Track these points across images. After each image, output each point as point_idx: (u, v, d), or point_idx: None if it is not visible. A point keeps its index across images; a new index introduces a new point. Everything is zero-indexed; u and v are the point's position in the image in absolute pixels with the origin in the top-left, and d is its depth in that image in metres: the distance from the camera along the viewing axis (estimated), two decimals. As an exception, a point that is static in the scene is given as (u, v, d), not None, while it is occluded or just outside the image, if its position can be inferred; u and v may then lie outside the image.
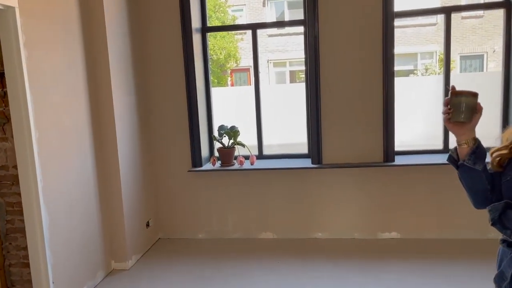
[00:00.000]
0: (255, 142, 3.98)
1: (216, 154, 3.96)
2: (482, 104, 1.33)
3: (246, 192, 3.85)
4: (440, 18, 13.44)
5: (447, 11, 3.60)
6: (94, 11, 3.12)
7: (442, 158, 3.60)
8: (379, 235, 3.73)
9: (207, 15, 3.98)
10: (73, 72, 2.96)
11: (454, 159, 1.44)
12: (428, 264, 3.22)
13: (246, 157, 3.84)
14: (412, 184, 3.64)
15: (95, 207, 3.17)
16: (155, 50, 3.76)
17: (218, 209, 3.92)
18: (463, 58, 15.14)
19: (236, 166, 3.77)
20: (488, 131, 3.84)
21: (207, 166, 3.84)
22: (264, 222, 3.88)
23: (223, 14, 14.14)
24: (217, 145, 3.91)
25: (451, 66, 12.36)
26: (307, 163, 3.73)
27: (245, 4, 15.12)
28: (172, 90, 3.79)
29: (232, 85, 15.78)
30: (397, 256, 3.40)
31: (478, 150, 1.36)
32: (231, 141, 3.80)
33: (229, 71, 15.65)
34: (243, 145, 3.81)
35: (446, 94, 3.64)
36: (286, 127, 4.11)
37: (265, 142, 4.01)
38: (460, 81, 3.77)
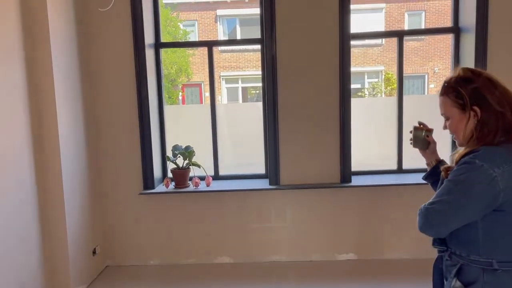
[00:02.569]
0: (211, 162, 3.84)
1: (170, 175, 3.77)
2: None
3: (201, 215, 3.69)
4: (386, 39, 14.09)
5: (400, 35, 3.69)
6: (38, 25, 2.88)
7: (397, 179, 3.66)
8: (337, 256, 3.69)
9: (161, 30, 3.83)
10: (13, 93, 2.70)
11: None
12: (386, 285, 3.21)
13: (202, 178, 3.69)
14: (368, 205, 3.65)
15: (34, 239, 2.88)
16: (105, 66, 3.54)
17: (171, 233, 3.71)
18: (406, 78, 15.94)
19: (191, 187, 3.60)
20: (442, 150, 3.98)
21: (160, 188, 3.64)
22: (220, 246, 3.72)
23: (174, 29, 13.94)
24: (171, 165, 3.73)
25: (395, 85, 12.86)
26: (265, 184, 3.64)
27: (197, 20, 15.03)
28: (124, 108, 3.58)
29: (183, 99, 15.54)
30: (355, 278, 3.36)
31: (436, 171, 1.67)
32: (186, 161, 3.63)
33: (180, 86, 15.40)
34: (199, 166, 3.66)
35: (400, 116, 3.71)
36: (242, 147, 4.00)
37: (221, 161, 3.88)
38: (410, 103, 3.86)
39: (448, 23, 3.68)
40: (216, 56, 16.15)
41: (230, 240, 3.71)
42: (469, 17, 3.49)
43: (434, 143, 1.76)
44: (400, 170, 3.79)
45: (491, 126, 1.34)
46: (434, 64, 14.16)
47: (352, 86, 3.52)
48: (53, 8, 2.96)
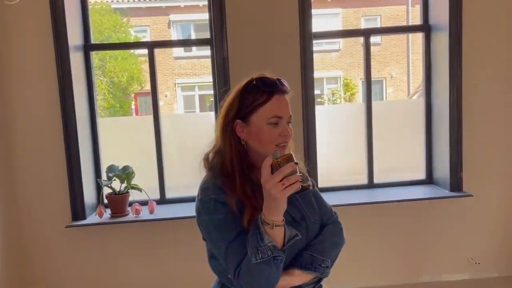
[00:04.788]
0: (155, 183, 3.27)
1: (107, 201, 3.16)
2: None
3: (145, 249, 3.10)
4: (344, 44, 13.98)
5: (366, 34, 3.29)
6: None
7: (369, 195, 3.24)
8: (305, 287, 3.21)
9: (91, 31, 3.24)
10: None
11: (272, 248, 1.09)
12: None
13: (145, 203, 3.11)
14: (338, 226, 3.20)
15: None
16: (18, 73, 2.91)
17: (108, 272, 3.10)
18: (364, 83, 15.95)
19: (131, 216, 3.01)
20: (415, 162, 3.61)
21: (92, 218, 3.03)
22: (169, 286, 3.15)
23: (124, 35, 13.18)
24: (107, 190, 3.12)
25: (354, 90, 12.75)
26: (219, 207, 3.11)
27: (148, 25, 14.32)
28: (43, 123, 2.95)
29: (136, 109, 14.74)
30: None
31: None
32: (124, 185, 3.04)
33: (132, 95, 14.61)
34: (140, 189, 3.08)
35: (369, 123, 3.30)
36: (194, 164, 3.46)
37: (168, 182, 3.32)
38: (381, 109, 3.48)
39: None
40: (170, 62, 15.28)
41: (180, 278, 3.15)
42: (441, 13, 3.14)
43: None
44: (371, 185, 3.38)
45: None
46: (392, 68, 14.20)
47: (312, 92, 3.09)
48: None
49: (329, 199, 3.16)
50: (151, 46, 3.28)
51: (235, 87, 1.26)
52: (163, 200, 3.28)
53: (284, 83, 1.24)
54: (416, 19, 12.97)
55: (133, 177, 3.06)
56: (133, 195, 3.08)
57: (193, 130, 3.49)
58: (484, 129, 3.14)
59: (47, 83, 2.92)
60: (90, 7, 3.21)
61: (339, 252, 1.35)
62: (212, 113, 3.32)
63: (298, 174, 1.03)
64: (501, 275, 3.25)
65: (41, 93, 2.94)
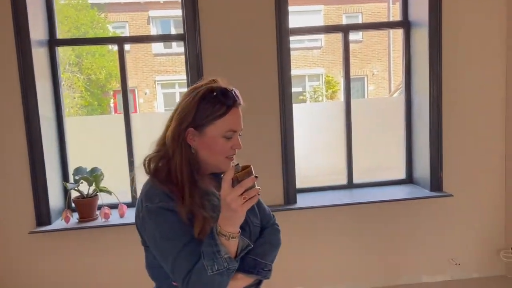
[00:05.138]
0: (128, 186, 3.12)
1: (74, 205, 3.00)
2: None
3: (114, 256, 2.95)
4: (326, 41, 13.94)
5: (345, 30, 3.20)
6: None
7: (349, 195, 3.15)
8: (283, 292, 3.12)
9: (57, 24, 3.06)
10: None
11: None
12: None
13: (115, 207, 2.96)
14: (318, 229, 3.11)
15: None
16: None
17: (75, 281, 2.94)
18: (344, 79, 16.03)
19: (100, 221, 2.86)
20: (395, 161, 3.54)
21: (58, 223, 2.86)
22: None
23: (102, 31, 12.85)
24: (75, 194, 2.96)
25: (336, 88, 12.73)
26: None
27: (127, 21, 14.01)
28: (4, 123, 2.77)
29: (115, 107, 14.44)
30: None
31: None
32: (92, 187, 2.89)
33: (111, 93, 14.31)
34: (109, 192, 2.93)
35: (348, 121, 3.21)
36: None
37: (140, 184, 3.16)
38: (362, 107, 3.40)
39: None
40: (149, 59, 14.96)
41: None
42: (420, 10, 3.06)
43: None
44: (351, 185, 3.30)
45: None
46: (373, 66, 14.22)
47: (293, 89, 2.98)
48: None
49: (308, 200, 3.10)
50: (121, 41, 3.11)
51: (190, 92, 1.20)
52: (135, 203, 3.12)
53: (239, 95, 1.22)
54: (397, 16, 13.02)
55: (102, 179, 2.91)
56: (102, 199, 2.93)
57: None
58: (464, 127, 3.08)
59: (8, 80, 2.74)
60: (55, 0, 3.02)
61: (276, 253, 1.37)
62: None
63: (257, 187, 1.04)
64: (481, 275, 3.21)
65: (1, 91, 2.75)
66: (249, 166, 1.06)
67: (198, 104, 1.16)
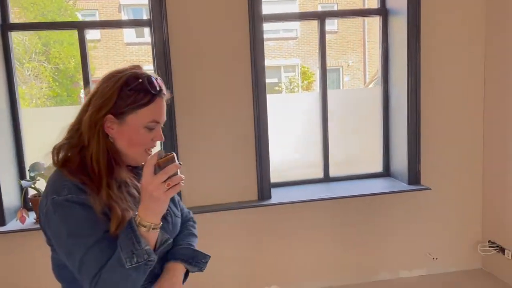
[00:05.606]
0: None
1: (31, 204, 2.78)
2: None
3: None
4: (301, 31, 13.82)
5: (322, 17, 3.06)
6: None
7: (325, 189, 3.04)
8: (257, 291, 2.99)
9: (10, 8, 2.80)
10: None
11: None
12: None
13: (77, 205, 2.75)
14: (293, 225, 2.99)
15: None
16: None
17: (31, 286, 2.74)
18: (319, 68, 16.05)
19: (59, 220, 2.65)
20: (371, 154, 3.45)
21: (14, 224, 2.64)
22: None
23: (70, 18, 12.34)
24: (32, 192, 2.74)
25: (311, 79, 12.65)
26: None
27: (97, 9, 13.50)
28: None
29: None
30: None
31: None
32: (51, 185, 2.66)
33: (81, 83, 13.80)
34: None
35: (324, 112, 3.09)
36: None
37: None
38: (338, 98, 3.27)
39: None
40: (121, 48, 14.42)
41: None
42: (398, -4, 2.96)
43: None
44: (327, 178, 3.18)
45: None
46: (348, 57, 14.22)
47: (269, 80, 2.83)
48: None
49: (283, 195, 2.98)
50: (82, 26, 2.89)
51: (112, 77, 1.08)
52: (99, 201, 2.93)
53: (163, 85, 1.13)
54: (373, 6, 13.01)
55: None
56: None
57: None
58: (442, 119, 3.01)
59: (-47, 68, 2.49)
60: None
61: None
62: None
63: (181, 175, 0.99)
64: (458, 269, 3.16)
65: None
66: (172, 153, 1.00)
67: (121, 90, 1.06)
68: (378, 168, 3.27)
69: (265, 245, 2.96)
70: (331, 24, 12.74)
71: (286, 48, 14.17)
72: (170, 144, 2.73)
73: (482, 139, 3.06)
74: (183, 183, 0.99)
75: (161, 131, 1.14)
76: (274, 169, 2.97)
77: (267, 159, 2.87)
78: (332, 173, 3.19)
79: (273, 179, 2.98)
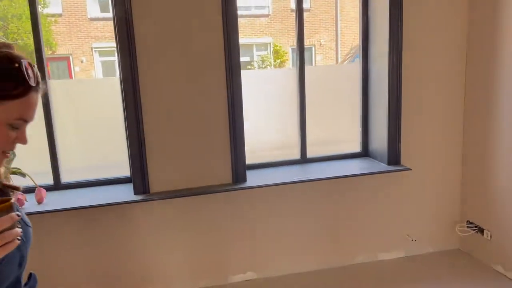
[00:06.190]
0: (48, 166, 2.67)
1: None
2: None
3: (31, 250, 2.51)
4: (273, 8, 13.51)
5: (299, -13, 2.85)
6: None
7: (301, 172, 2.90)
8: (231, 278, 2.85)
9: None
10: None
11: None
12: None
13: (32, 191, 2.50)
14: (269, 209, 2.84)
15: None
16: None
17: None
18: (294, 50, 15.88)
19: (12, 209, 2.40)
20: (349, 133, 3.31)
21: (-41, 214, 2.37)
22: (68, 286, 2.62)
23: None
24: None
25: (284, 58, 12.43)
26: (128, 193, 2.59)
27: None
28: None
29: (48, 75, 13.29)
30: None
31: None
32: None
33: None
34: (23, 174, 2.46)
35: (301, 90, 2.92)
36: (97, 141, 2.88)
37: (65, 164, 2.72)
38: (314, 75, 3.10)
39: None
40: (86, 25, 13.75)
41: (74, 278, 2.63)
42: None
43: None
44: (304, 159, 3.04)
45: None
46: (320, 36, 14.04)
47: (241, 59, 2.61)
48: None
49: (258, 177, 2.81)
50: None
51: None
52: (58, 186, 2.69)
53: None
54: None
55: (13, 158, 2.42)
56: (14, 182, 2.45)
57: (94, 98, 2.88)
58: (424, 97, 2.89)
59: None
60: None
61: None
62: (117, 78, 2.72)
63: (18, 229, 0.75)
64: (436, 250, 3.11)
65: None
66: (10, 200, 0.76)
67: None
68: (357, 148, 3.15)
69: (240, 230, 2.81)
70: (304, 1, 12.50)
71: (258, 26, 13.85)
72: (136, 125, 2.50)
73: (463, 118, 2.97)
74: (19, 239, 0.75)
75: (26, 132, 0.91)
76: (249, 151, 2.80)
77: (242, 140, 2.69)
78: (309, 153, 3.05)
79: (249, 160, 2.80)
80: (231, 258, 2.83)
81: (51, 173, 2.67)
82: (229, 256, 2.83)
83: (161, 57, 2.48)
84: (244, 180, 2.72)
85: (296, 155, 3.05)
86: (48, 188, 2.59)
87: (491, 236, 2.81)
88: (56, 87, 2.73)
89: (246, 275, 2.86)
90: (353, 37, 13.46)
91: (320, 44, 14.21)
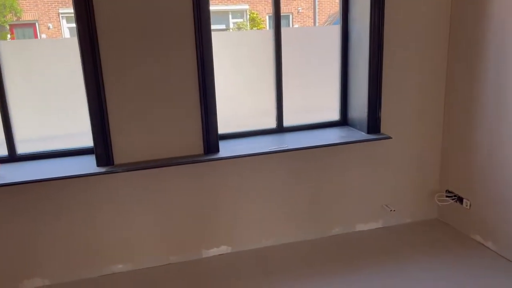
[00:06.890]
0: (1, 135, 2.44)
1: None
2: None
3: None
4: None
5: None
6: None
7: (278, 141, 2.75)
8: (205, 253, 2.72)
9: None
10: None
11: None
12: (275, 280, 2.36)
13: (-16, 164, 2.29)
14: (243, 180, 2.70)
15: None
16: None
17: None
18: (271, 18, 15.48)
19: (-40, 183, 2.18)
20: (327, 101, 3.16)
21: None
22: (29, 266, 2.44)
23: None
24: None
25: (261, 25, 12.07)
26: (91, 165, 2.39)
27: None
28: None
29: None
30: (233, 276, 2.46)
31: None
32: None
33: (8, 27, 12.41)
34: (-28, 146, 2.23)
35: (278, 53, 2.73)
36: (56, 109, 2.64)
37: (19, 133, 2.49)
38: (295, 36, 2.91)
39: None
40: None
41: (43, 255, 2.45)
42: None
43: None
44: (281, 129, 2.89)
45: None
46: (298, 3, 13.69)
47: (216, 26, 2.40)
48: None
49: (232, 148, 2.64)
50: None
51: None
52: (13, 157, 2.47)
53: None
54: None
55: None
56: (-38, 155, 2.23)
57: (52, 61, 2.62)
58: (405, 61, 2.75)
59: None
60: None
61: None
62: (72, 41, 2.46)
63: None
64: (414, 220, 3.06)
65: None
66: None
67: None
68: (335, 116, 3.01)
69: (213, 203, 2.67)
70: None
71: (234, -8, 13.38)
72: (96, 91, 2.28)
73: (445, 84, 2.86)
74: None
75: None
76: (222, 120, 2.62)
77: (214, 107, 2.50)
78: (286, 122, 2.89)
79: (221, 130, 2.63)
80: (204, 232, 2.70)
81: (6, 144, 2.45)
82: (202, 230, 2.69)
83: (122, 13, 2.24)
84: (217, 150, 2.56)
85: (272, 124, 2.89)
86: (2, 160, 2.37)
87: (470, 205, 2.76)
88: (5, 48, 2.45)
89: (220, 249, 2.74)
90: (331, 5, 13.20)
91: (298, 12, 13.89)
